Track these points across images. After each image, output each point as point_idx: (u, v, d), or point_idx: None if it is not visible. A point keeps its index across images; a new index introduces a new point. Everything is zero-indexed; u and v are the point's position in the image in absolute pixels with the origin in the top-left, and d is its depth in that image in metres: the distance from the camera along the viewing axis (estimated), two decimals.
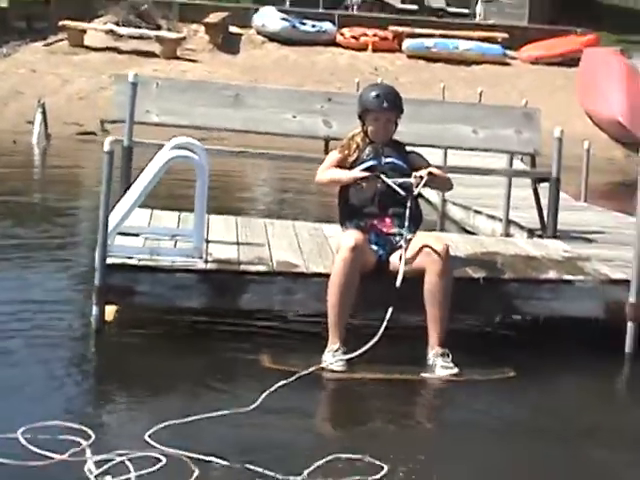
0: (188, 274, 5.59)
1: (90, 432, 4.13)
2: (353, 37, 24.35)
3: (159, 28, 23.41)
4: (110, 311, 5.77)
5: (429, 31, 24.67)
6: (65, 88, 18.81)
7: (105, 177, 5.52)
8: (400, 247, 5.50)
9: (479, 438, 4.54)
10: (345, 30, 24.45)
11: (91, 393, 4.90)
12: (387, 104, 5.75)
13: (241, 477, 3.86)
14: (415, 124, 7.17)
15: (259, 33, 24.41)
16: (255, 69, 21.66)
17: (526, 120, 7.46)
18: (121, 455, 3.94)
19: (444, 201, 10.39)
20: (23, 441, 4.03)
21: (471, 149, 7.71)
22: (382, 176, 5.54)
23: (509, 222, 8.26)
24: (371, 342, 5.21)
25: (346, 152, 5.84)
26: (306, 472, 3.91)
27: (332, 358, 5.28)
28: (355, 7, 27.29)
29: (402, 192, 5.51)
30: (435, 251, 5.39)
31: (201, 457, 3.95)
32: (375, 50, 24.06)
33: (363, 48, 24.13)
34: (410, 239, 5.51)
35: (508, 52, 24.34)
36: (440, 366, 5.30)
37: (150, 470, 3.84)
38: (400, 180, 5.55)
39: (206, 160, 5.88)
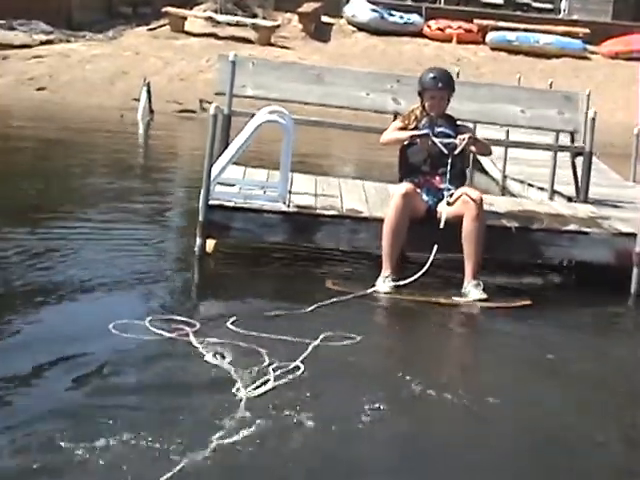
0: (274, 215, 6.94)
1: (193, 321, 5.51)
2: (439, 29, 25.48)
3: (255, 16, 24.87)
4: (210, 244, 7.15)
5: (513, 25, 25.69)
6: (167, 70, 20.33)
7: (210, 136, 6.89)
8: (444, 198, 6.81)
9: (480, 344, 5.89)
10: (431, 22, 25.58)
11: (194, 297, 6.33)
12: (442, 84, 7.05)
13: (287, 348, 5.21)
14: (471, 104, 8.40)
15: (349, 23, 25.67)
16: (343, 57, 22.92)
17: (567, 102, 8.61)
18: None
19: (504, 177, 11.59)
20: (148, 325, 5.44)
21: (520, 126, 8.94)
22: (431, 136, 6.82)
23: (554, 192, 9.44)
24: (418, 274, 6.53)
25: (406, 122, 7.14)
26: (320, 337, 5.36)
27: (383, 283, 6.59)
28: (442, 0, 28.43)
29: (445, 150, 6.78)
30: (471, 201, 6.67)
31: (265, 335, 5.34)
32: (460, 42, 25.13)
33: (448, 40, 25.25)
34: (452, 193, 6.80)
35: (588, 47, 25.25)
36: (472, 293, 6.57)
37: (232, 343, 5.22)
38: (446, 141, 6.83)
39: (291, 124, 7.20)
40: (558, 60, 24.53)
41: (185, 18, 23.98)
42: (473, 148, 7.07)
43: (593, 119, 8.23)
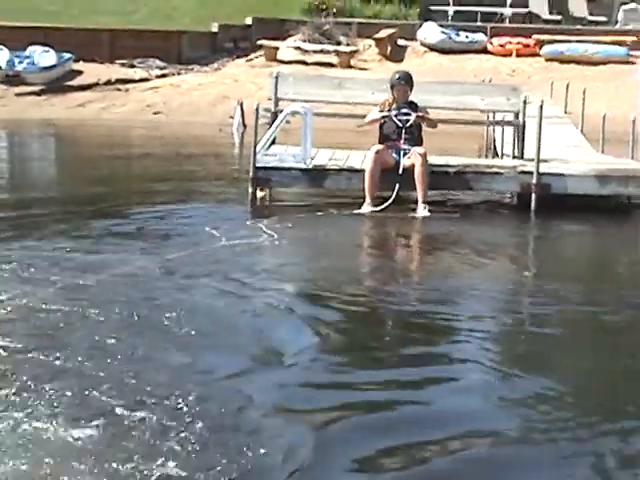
0: (298, 171, 10.87)
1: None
2: (500, 45, 28.92)
3: (339, 44, 28.79)
4: (260, 194, 11.07)
5: (567, 37, 29.07)
6: (260, 92, 24.34)
7: (255, 122, 10.86)
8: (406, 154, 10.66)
9: (414, 234, 9.79)
10: (494, 39, 29.14)
11: (238, 217, 10.28)
12: (403, 81, 10.92)
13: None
14: (446, 96, 12.15)
15: (422, 45, 29.45)
16: (412, 73, 26.54)
17: (513, 92, 12.19)
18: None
19: (503, 154, 15.22)
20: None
21: (481, 110, 12.66)
22: (393, 116, 10.67)
23: (514, 156, 13.00)
24: (385, 204, 10.36)
25: (381, 107, 11.01)
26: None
27: (364, 208, 10.43)
28: (507, 20, 32.01)
29: (400, 124, 10.63)
30: (419, 155, 10.49)
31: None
32: (518, 55, 28.55)
33: (508, 54, 28.70)
34: (409, 151, 10.65)
35: (633, 53, 28.44)
36: (421, 212, 10.36)
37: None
38: (404, 118, 10.67)
39: (310, 114, 11.08)
40: (605, 66, 27.75)
41: (277, 48, 27.89)
42: (424, 123, 10.90)
43: (524, 102, 11.86)
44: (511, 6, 32.06)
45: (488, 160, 12.11)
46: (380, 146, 10.65)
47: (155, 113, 22.65)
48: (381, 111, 10.96)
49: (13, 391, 4.88)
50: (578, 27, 30.57)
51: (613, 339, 6.64)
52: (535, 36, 28.97)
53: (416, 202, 10.49)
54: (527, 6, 32.37)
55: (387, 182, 10.59)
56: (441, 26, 29.59)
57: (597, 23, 31.48)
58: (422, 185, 10.44)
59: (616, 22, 31.71)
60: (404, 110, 10.82)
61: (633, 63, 28.05)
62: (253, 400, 4.99)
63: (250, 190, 10.85)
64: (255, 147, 10.82)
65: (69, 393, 4.92)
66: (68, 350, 5.56)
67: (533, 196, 10.66)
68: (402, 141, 10.72)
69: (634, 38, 28.76)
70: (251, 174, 10.83)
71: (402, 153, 10.67)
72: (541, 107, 10.85)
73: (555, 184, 10.76)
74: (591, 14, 32.26)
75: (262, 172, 10.84)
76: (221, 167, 14.89)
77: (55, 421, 4.53)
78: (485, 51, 28.84)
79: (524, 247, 9.93)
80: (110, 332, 5.91)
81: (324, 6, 30.65)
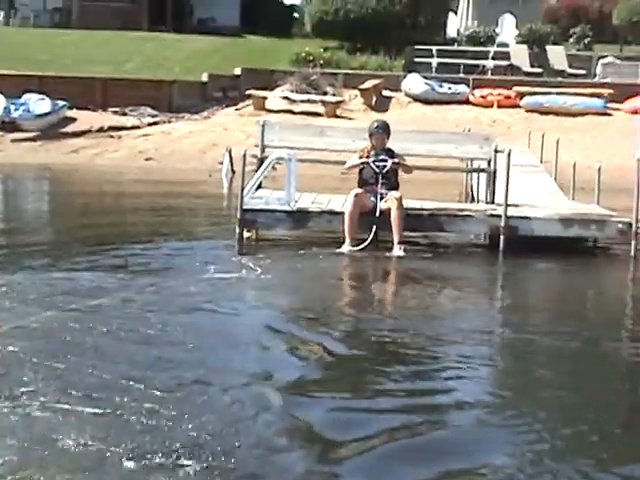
0: (282, 213, 11.61)
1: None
2: (482, 96, 29.83)
3: (325, 94, 29.66)
4: (246, 235, 11.80)
5: (547, 90, 30.03)
6: (248, 140, 25.15)
7: (242, 167, 11.62)
8: (383, 198, 11.41)
9: (387, 272, 10.53)
10: (476, 91, 30.07)
11: (226, 254, 10.99)
12: (381, 130, 11.70)
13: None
14: (422, 144, 12.94)
15: (406, 95, 30.38)
16: (396, 123, 27.39)
17: (485, 140, 12.99)
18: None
19: (478, 200, 16.01)
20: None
21: (454, 157, 13.46)
22: (371, 163, 11.46)
23: (478, 199, 13.78)
24: (364, 244, 11.10)
25: (361, 154, 11.79)
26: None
27: (344, 248, 11.16)
28: (490, 72, 33.01)
29: (377, 170, 11.41)
30: (395, 199, 11.25)
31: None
32: (500, 106, 29.43)
33: (490, 105, 29.61)
34: (386, 194, 11.40)
35: (611, 105, 29.40)
36: (396, 252, 11.09)
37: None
38: (381, 164, 11.45)
39: (294, 159, 11.83)
40: (583, 118, 28.67)
41: (266, 98, 28.73)
42: (400, 169, 11.68)
43: (496, 150, 12.65)
44: (493, 59, 33.17)
45: (460, 204, 12.90)
46: (359, 190, 11.43)
47: (147, 159, 23.45)
48: (360, 157, 11.73)
49: (32, 389, 5.63)
50: (558, 79, 31.62)
51: (584, 366, 7.35)
52: (516, 88, 29.94)
53: (392, 242, 11.21)
54: (509, 59, 33.45)
55: (365, 224, 11.33)
56: (425, 77, 30.59)
57: (576, 76, 32.51)
58: (398, 227, 11.19)
59: (595, 75, 32.78)
60: (381, 157, 11.60)
61: (610, 115, 29.03)
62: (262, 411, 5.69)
63: (237, 230, 11.58)
64: (242, 191, 11.56)
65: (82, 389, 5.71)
66: (79, 357, 6.33)
67: (501, 237, 11.41)
68: (379, 185, 11.48)
69: (611, 91, 29.74)
70: (239, 215, 11.57)
71: (379, 197, 11.42)
72: (509, 155, 11.61)
73: (522, 226, 11.55)
74: (571, 67, 33.28)
75: (249, 214, 11.58)
76: (210, 209, 15.69)
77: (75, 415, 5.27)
78: (467, 102, 29.80)
79: (492, 284, 10.66)
80: (114, 346, 6.65)
81: (311, 57, 31.66)
